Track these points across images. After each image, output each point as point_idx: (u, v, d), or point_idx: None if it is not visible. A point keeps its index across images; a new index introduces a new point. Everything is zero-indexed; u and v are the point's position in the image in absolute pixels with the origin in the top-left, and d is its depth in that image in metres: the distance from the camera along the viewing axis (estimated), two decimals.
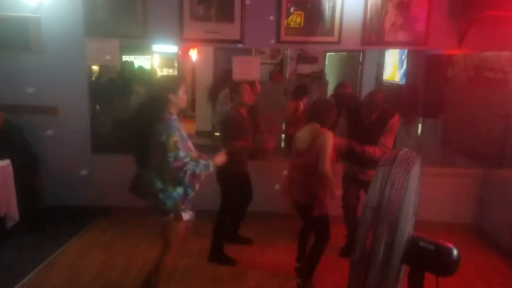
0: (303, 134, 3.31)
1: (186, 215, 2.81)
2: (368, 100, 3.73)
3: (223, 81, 5.33)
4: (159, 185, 2.74)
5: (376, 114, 3.67)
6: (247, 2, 4.32)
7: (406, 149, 1.99)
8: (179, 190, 2.75)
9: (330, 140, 3.13)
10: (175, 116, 2.78)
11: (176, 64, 9.95)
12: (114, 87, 6.43)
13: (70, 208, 4.68)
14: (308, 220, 3.42)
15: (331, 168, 3.14)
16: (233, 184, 3.82)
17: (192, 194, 2.81)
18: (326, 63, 8.20)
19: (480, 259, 4.00)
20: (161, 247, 2.92)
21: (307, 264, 3.42)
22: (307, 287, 3.40)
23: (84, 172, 4.64)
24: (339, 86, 5.73)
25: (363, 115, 3.73)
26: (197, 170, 2.68)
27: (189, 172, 2.64)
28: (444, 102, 5.59)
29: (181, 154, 2.64)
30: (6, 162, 3.97)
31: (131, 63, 8.11)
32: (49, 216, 4.50)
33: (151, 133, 2.70)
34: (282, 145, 6.09)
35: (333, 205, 3.94)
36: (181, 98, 2.81)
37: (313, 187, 3.22)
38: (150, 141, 2.71)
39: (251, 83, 4.76)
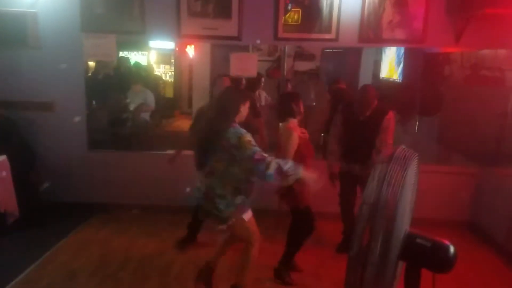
0: (280, 130, 3.40)
1: (247, 216, 2.92)
2: (359, 96, 3.75)
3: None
4: (219, 190, 2.80)
5: (370, 110, 3.69)
6: None
7: (403, 146, 1.99)
8: (238, 199, 2.83)
9: (291, 139, 3.19)
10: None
11: (173, 60, 9.93)
12: (111, 83, 6.42)
13: (66, 204, 4.66)
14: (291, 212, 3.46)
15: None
16: None
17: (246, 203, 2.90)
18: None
19: (476, 256, 4.02)
20: (243, 245, 3.05)
21: (286, 252, 3.47)
22: (283, 275, 3.46)
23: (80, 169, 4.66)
24: (333, 82, 5.70)
25: (357, 112, 3.75)
26: (285, 167, 2.62)
27: (274, 165, 2.61)
28: (441, 100, 5.60)
29: (258, 149, 2.68)
30: (2, 158, 3.96)
31: (127, 59, 8.09)
32: (46, 212, 4.50)
33: (218, 140, 2.76)
34: None
35: (330, 202, 3.97)
36: (246, 109, 2.92)
37: None
38: (216, 147, 2.78)
39: (238, 78, 4.77)
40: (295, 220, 3.45)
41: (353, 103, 3.86)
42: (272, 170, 2.59)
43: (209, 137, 2.81)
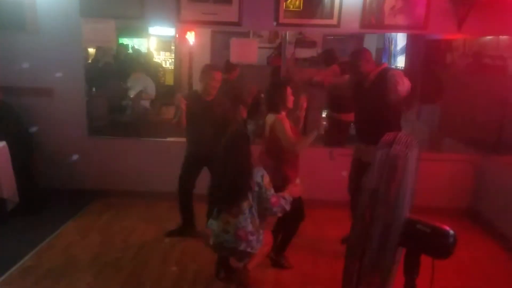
0: (267, 121, 3.34)
1: None
2: (352, 62, 3.60)
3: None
4: (250, 228, 2.88)
5: (374, 75, 3.50)
6: None
7: (405, 132, 1.98)
8: (261, 233, 2.96)
9: (284, 126, 3.18)
10: None
11: (173, 47, 9.84)
12: (110, 70, 6.38)
13: (66, 190, 4.67)
14: None
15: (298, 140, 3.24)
16: (185, 164, 3.89)
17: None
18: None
19: (475, 244, 4.03)
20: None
21: (281, 240, 3.50)
22: (280, 260, 3.49)
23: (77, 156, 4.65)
24: (330, 58, 5.38)
25: (361, 80, 3.56)
26: (289, 201, 3.00)
27: (285, 206, 2.97)
28: (443, 87, 5.56)
29: (273, 191, 2.94)
30: (2, 144, 3.95)
31: (127, 46, 8.02)
32: (45, 198, 4.50)
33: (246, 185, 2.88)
34: None
35: (335, 191, 3.95)
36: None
37: (280, 171, 3.26)
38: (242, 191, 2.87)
39: (231, 68, 4.70)
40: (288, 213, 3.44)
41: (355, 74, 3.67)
42: (285, 210, 2.97)
43: (235, 186, 2.87)
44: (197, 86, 3.99)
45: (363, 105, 3.62)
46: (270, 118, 3.30)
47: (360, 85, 3.60)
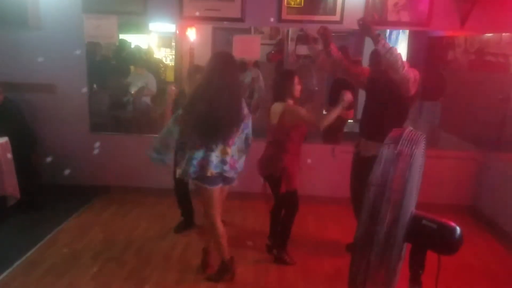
0: (275, 110, 3.34)
1: None
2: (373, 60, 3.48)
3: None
4: (236, 155, 3.09)
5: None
6: None
7: (411, 128, 1.98)
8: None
9: (299, 109, 3.22)
10: None
11: (173, 43, 9.81)
12: (112, 66, 6.36)
13: (68, 187, 4.66)
14: (277, 195, 3.43)
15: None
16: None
17: None
18: None
19: (477, 241, 4.04)
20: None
21: (280, 236, 3.52)
22: (283, 256, 3.50)
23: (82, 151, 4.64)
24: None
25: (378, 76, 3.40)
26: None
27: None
28: (444, 84, 5.56)
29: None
30: (4, 140, 3.95)
31: (129, 42, 8.00)
32: (48, 194, 4.50)
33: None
34: None
35: (337, 187, 3.94)
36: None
37: (281, 161, 3.28)
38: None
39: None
40: (282, 203, 3.46)
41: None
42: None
43: (234, 115, 2.93)
44: None
45: (373, 99, 3.47)
46: (278, 106, 3.30)
47: (376, 79, 3.43)
